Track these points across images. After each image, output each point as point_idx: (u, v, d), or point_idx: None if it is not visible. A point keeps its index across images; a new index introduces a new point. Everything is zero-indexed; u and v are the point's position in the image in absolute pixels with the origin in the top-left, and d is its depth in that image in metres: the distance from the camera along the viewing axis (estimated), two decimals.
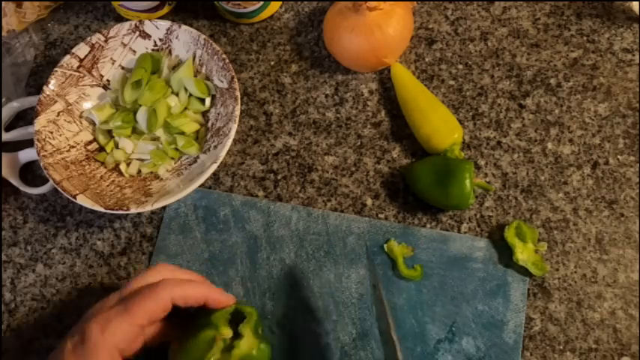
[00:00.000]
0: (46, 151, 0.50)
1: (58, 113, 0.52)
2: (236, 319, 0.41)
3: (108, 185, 0.51)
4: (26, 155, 0.54)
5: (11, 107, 0.56)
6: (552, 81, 0.54)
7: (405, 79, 0.53)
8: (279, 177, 0.53)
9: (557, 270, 0.48)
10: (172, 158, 0.53)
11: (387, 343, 0.40)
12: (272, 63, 0.57)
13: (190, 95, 0.54)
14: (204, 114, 0.54)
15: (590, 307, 0.47)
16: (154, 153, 0.52)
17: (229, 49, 0.58)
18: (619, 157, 0.52)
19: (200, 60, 0.54)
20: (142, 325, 0.39)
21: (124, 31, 0.54)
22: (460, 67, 0.55)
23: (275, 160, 0.54)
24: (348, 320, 0.48)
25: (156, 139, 0.53)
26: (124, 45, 0.55)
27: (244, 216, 0.52)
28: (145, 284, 0.40)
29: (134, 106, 0.53)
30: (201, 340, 0.39)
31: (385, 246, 0.49)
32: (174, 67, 0.55)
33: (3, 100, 0.57)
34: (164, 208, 0.53)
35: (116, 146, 0.53)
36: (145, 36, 0.55)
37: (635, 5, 0.55)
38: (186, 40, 0.54)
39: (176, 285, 0.40)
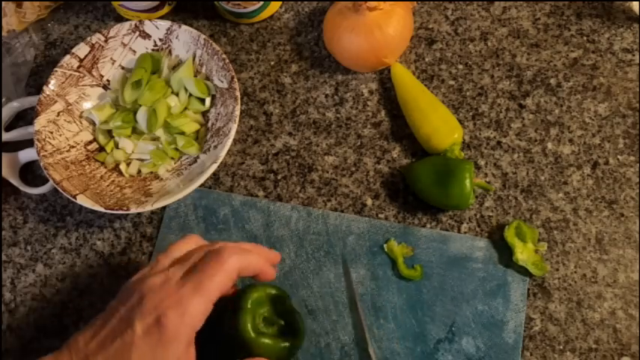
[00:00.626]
0: (46, 151, 0.50)
1: (58, 113, 0.52)
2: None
3: (108, 185, 0.51)
4: (26, 155, 0.54)
5: (11, 107, 0.56)
6: (552, 81, 0.54)
7: (405, 79, 0.53)
8: (279, 177, 0.53)
9: (557, 270, 0.48)
10: (172, 158, 0.53)
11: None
12: (272, 63, 0.57)
13: (190, 95, 0.54)
14: (204, 114, 0.54)
15: (590, 307, 0.47)
16: (154, 153, 0.52)
17: (229, 49, 0.58)
18: (619, 157, 0.51)
19: (200, 60, 0.54)
20: (214, 301, 0.36)
21: (124, 31, 0.54)
22: (460, 67, 0.55)
23: (275, 160, 0.54)
24: (349, 320, 0.48)
25: (156, 139, 0.53)
26: (124, 45, 0.55)
27: (244, 216, 0.52)
28: (200, 251, 0.38)
29: (134, 106, 0.53)
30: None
31: (385, 246, 0.49)
32: (174, 67, 0.55)
33: (3, 100, 0.57)
34: (164, 208, 0.53)
35: (116, 146, 0.53)
36: (145, 36, 0.55)
37: (635, 5, 0.55)
38: (186, 40, 0.54)
39: (241, 253, 0.37)
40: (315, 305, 0.48)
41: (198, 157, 0.52)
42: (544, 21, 0.57)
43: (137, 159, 0.53)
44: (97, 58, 0.54)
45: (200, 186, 0.52)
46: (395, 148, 0.53)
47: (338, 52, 0.54)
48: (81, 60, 0.54)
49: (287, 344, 0.41)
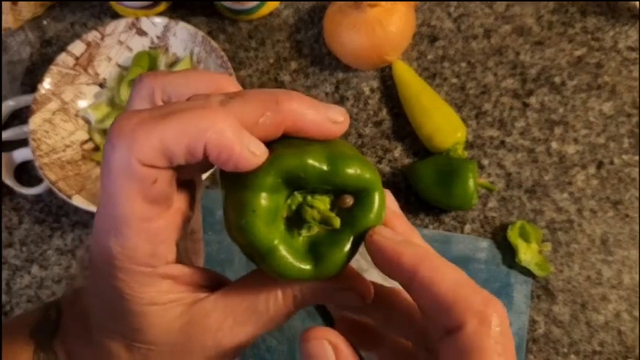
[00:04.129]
0: (41, 150, 0.50)
1: (54, 112, 0.52)
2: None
3: None
4: (21, 155, 0.54)
5: (6, 106, 0.55)
6: (556, 79, 0.54)
7: (407, 77, 0.52)
8: None
9: (562, 271, 0.48)
10: None
11: None
12: (271, 60, 0.57)
13: None
14: None
15: (595, 309, 0.47)
16: None
17: (227, 46, 0.57)
18: (624, 156, 0.51)
19: (198, 57, 0.53)
20: (175, 157, 0.20)
21: (121, 28, 0.53)
22: (463, 64, 0.55)
23: None
24: None
25: None
26: (121, 43, 0.54)
27: None
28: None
29: None
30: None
31: None
32: (172, 65, 0.54)
33: None
34: None
35: None
36: (142, 33, 0.54)
37: (639, 3, 0.55)
38: (183, 37, 0.53)
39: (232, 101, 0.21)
40: (315, 306, 0.48)
41: None
42: (548, 18, 0.56)
43: None
44: (93, 56, 0.54)
45: None
46: (396, 147, 0.53)
47: (339, 49, 0.53)
48: (77, 58, 0.53)
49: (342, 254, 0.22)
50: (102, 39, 0.53)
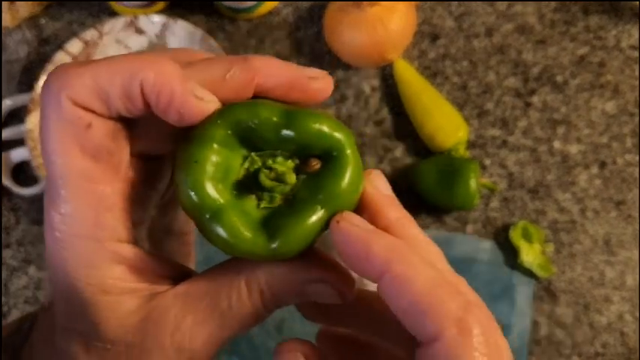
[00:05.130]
0: (38, 150, 0.49)
1: None
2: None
3: None
4: (18, 155, 0.53)
5: (4, 105, 0.55)
6: (559, 78, 0.53)
7: (408, 76, 0.52)
8: None
9: (564, 273, 0.47)
10: None
11: None
12: None
13: None
14: None
15: (597, 310, 0.46)
16: None
17: (227, 45, 0.57)
18: (626, 156, 0.51)
19: None
20: (111, 100, 0.18)
21: (119, 27, 0.53)
22: (464, 63, 0.54)
23: None
24: None
25: None
26: (119, 41, 0.54)
27: None
28: None
29: None
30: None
31: None
32: None
33: None
34: None
35: None
36: (140, 32, 0.53)
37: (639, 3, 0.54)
38: (182, 35, 0.53)
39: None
40: None
41: None
42: (550, 17, 0.55)
43: None
44: (91, 55, 0.53)
45: None
46: (398, 147, 0.52)
47: (339, 48, 0.53)
48: (74, 57, 0.53)
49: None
50: (100, 38, 0.53)
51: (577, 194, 0.50)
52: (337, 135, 0.18)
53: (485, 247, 0.48)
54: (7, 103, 0.55)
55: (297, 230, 0.18)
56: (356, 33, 0.50)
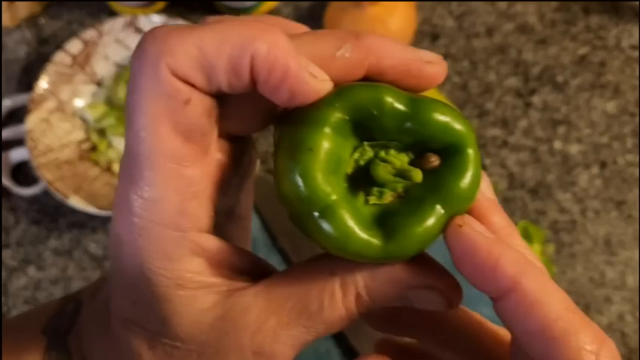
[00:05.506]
0: (38, 150, 0.49)
1: (51, 111, 0.51)
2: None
3: (101, 186, 0.50)
4: (18, 155, 0.53)
5: (3, 105, 0.55)
6: (559, 78, 0.53)
7: None
8: None
9: (565, 273, 0.47)
10: None
11: None
12: None
13: None
14: None
15: (598, 310, 0.46)
16: None
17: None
18: (627, 156, 0.50)
19: None
20: (215, 73, 0.16)
21: (119, 26, 0.53)
22: (465, 63, 0.54)
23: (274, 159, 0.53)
24: None
25: None
26: (119, 41, 0.53)
27: None
28: None
29: None
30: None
31: None
32: None
33: None
34: None
35: (109, 145, 0.52)
36: (140, 31, 0.53)
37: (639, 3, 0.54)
38: None
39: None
40: None
41: None
42: (551, 17, 0.55)
43: None
44: (91, 55, 0.53)
45: None
46: None
47: None
48: (74, 56, 0.52)
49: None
50: (99, 37, 0.53)
51: (577, 194, 0.50)
52: (462, 130, 0.16)
53: None
54: (7, 103, 0.55)
55: (417, 232, 0.16)
56: None
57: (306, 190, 0.15)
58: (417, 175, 0.16)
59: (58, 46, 0.59)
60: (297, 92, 0.15)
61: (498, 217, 0.17)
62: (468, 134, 0.16)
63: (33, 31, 0.60)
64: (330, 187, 0.16)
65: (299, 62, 0.15)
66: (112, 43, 0.53)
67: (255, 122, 0.18)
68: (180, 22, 0.52)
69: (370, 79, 0.17)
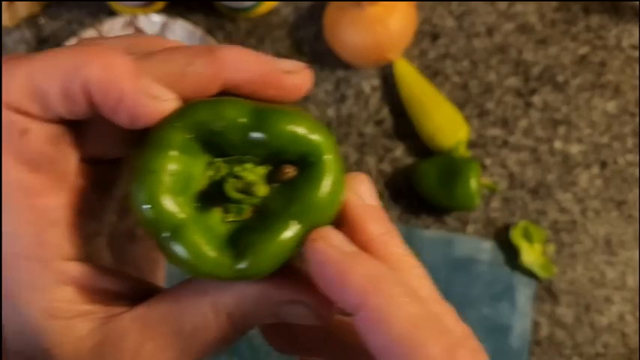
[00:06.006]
0: None
1: None
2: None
3: None
4: None
5: None
6: (559, 78, 0.53)
7: (409, 76, 0.52)
8: None
9: (565, 273, 0.47)
10: None
11: None
12: None
13: None
14: None
15: (598, 310, 0.46)
16: None
17: (226, 44, 0.57)
18: (627, 156, 0.50)
19: None
20: (51, 101, 0.16)
21: (118, 26, 0.53)
22: (465, 63, 0.54)
23: None
24: None
25: None
26: None
27: None
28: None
29: None
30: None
31: None
32: None
33: None
34: None
35: None
36: (140, 31, 0.53)
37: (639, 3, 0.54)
38: (182, 35, 0.52)
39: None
40: None
41: None
42: (551, 16, 0.55)
43: None
44: None
45: None
46: (398, 146, 0.52)
47: (339, 47, 0.53)
48: None
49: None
50: (99, 37, 0.53)
51: (578, 194, 0.50)
52: (315, 138, 0.16)
53: (486, 248, 0.48)
54: None
55: (269, 248, 0.15)
56: (356, 32, 0.50)
57: (152, 212, 0.15)
58: (260, 189, 0.16)
59: (58, 45, 0.59)
60: (136, 115, 0.15)
61: (375, 225, 0.16)
62: (323, 142, 0.16)
63: (32, 31, 0.60)
64: (176, 208, 0.15)
65: (136, 84, 0.15)
66: None
67: (118, 144, 0.17)
68: (180, 21, 0.52)
69: (230, 93, 0.16)
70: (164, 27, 0.53)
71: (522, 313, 0.46)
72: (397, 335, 0.14)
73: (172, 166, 0.15)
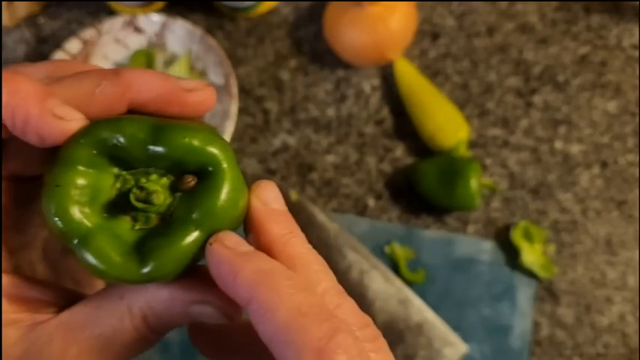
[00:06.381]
0: None
1: None
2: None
3: None
4: None
5: None
6: (560, 78, 0.53)
7: (409, 75, 0.52)
8: (277, 177, 0.52)
9: (565, 273, 0.47)
10: None
11: None
12: (270, 58, 0.56)
13: None
14: None
15: (599, 311, 0.46)
16: None
17: (226, 43, 0.57)
18: (628, 156, 0.50)
19: (196, 55, 0.52)
20: None
21: (118, 26, 0.53)
22: (465, 63, 0.54)
23: (273, 159, 0.53)
24: None
25: None
26: (118, 40, 0.53)
27: None
28: None
29: None
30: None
31: (387, 248, 0.48)
32: (170, 63, 0.53)
33: None
34: None
35: None
36: (139, 31, 0.53)
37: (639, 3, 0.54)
38: (181, 34, 0.52)
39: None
40: None
41: None
42: (551, 16, 0.55)
43: None
44: (90, 54, 0.53)
45: None
46: (398, 146, 0.52)
47: (339, 46, 0.52)
48: (73, 56, 0.52)
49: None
50: (99, 37, 0.53)
51: (578, 194, 0.50)
52: (210, 149, 0.17)
53: (486, 248, 0.48)
54: None
55: (171, 253, 0.17)
56: (356, 32, 0.50)
57: (60, 223, 0.17)
58: (159, 198, 0.17)
59: (58, 45, 0.59)
60: (43, 134, 0.16)
61: (277, 226, 0.18)
62: (219, 153, 0.17)
63: (32, 31, 0.60)
64: (83, 218, 0.17)
65: (42, 105, 0.16)
66: (111, 42, 0.53)
67: (36, 163, 0.19)
68: (179, 21, 0.52)
69: (138, 111, 0.18)
70: (164, 27, 0.53)
71: (523, 313, 0.46)
72: (282, 323, 0.15)
73: (79, 180, 0.17)
